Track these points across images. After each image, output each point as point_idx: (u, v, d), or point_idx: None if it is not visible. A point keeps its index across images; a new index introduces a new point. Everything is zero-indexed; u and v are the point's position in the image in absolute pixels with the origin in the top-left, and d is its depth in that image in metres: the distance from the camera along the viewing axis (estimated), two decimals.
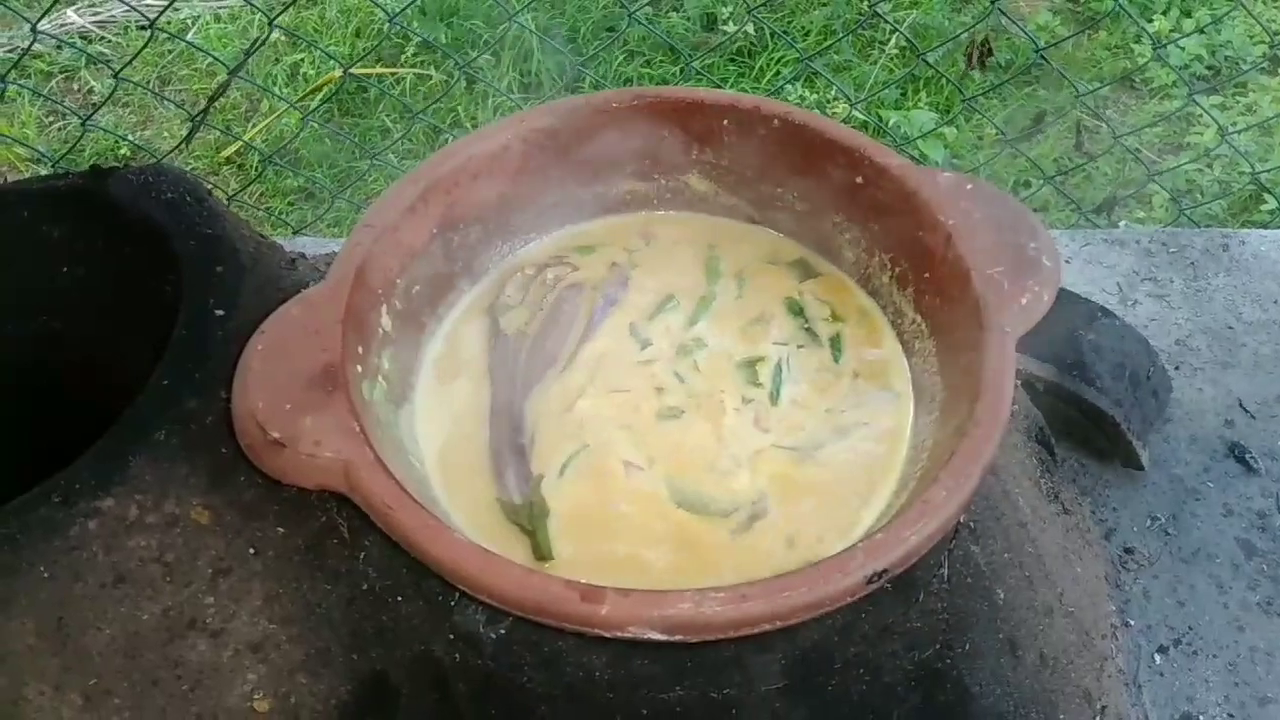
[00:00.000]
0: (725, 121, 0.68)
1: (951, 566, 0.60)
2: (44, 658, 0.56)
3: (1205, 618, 0.83)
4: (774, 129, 0.67)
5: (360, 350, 0.60)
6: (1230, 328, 0.98)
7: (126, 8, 2.11)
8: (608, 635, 0.49)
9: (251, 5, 1.83)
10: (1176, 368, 0.95)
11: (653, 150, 0.70)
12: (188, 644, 0.58)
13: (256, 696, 0.59)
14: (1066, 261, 1.02)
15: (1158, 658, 0.81)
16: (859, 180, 0.66)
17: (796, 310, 0.68)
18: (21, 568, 0.56)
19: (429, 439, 0.63)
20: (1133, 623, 0.82)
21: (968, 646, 0.61)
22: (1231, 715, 0.78)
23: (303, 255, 0.73)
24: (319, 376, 0.56)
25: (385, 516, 0.52)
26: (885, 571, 0.51)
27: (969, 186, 0.63)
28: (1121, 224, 1.90)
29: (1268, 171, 1.87)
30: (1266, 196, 1.89)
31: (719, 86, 1.96)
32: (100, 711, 0.57)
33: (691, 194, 0.71)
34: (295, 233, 1.66)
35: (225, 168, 2.02)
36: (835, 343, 0.66)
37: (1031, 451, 0.74)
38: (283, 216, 1.94)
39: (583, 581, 0.49)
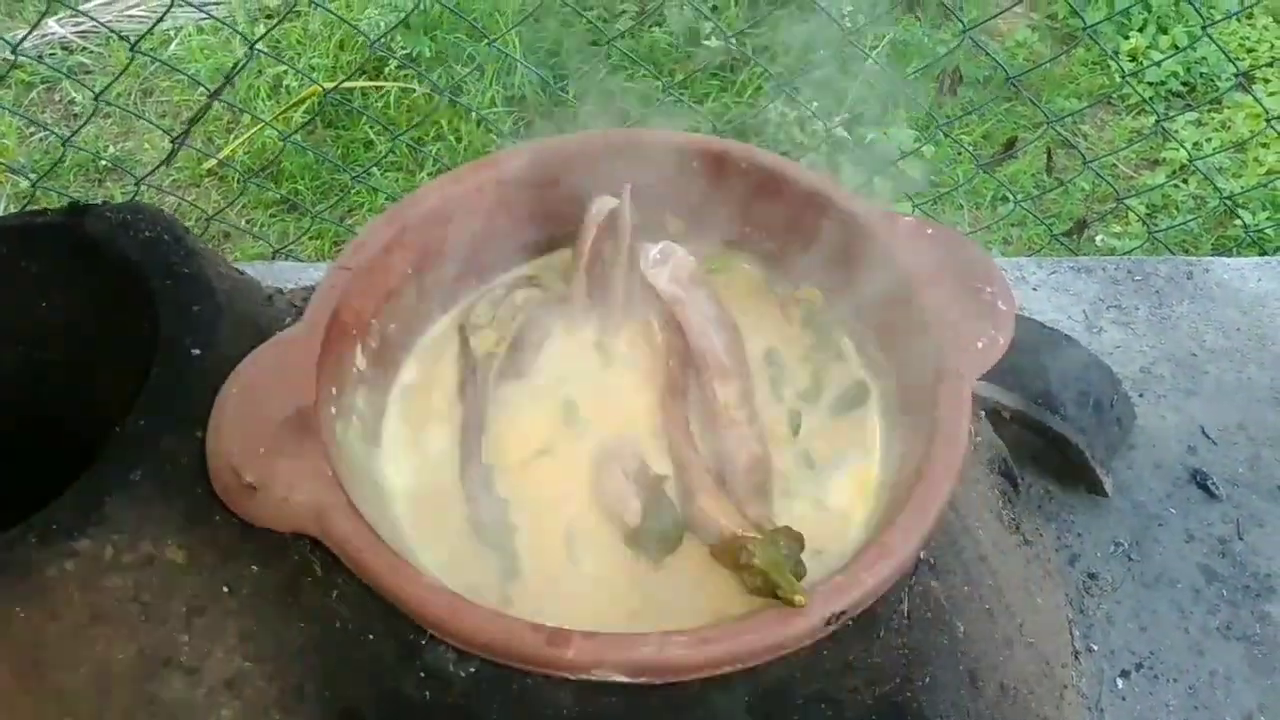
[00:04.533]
0: (695, 164, 0.70)
1: (911, 602, 0.61)
2: (18, 696, 0.57)
3: (1166, 642, 0.84)
4: (742, 172, 0.69)
5: (334, 391, 0.61)
6: (1194, 355, 1.00)
7: (109, 17, 2.12)
8: (573, 677, 0.51)
9: (232, 29, 1.83)
10: (1140, 395, 0.97)
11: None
12: (163, 682, 0.59)
13: None
14: (1034, 289, 1.04)
15: (1120, 682, 0.83)
16: (824, 222, 0.67)
17: (775, 361, 0.69)
18: None
19: (400, 470, 0.65)
20: (1096, 648, 0.84)
21: (928, 680, 0.62)
22: None
23: (280, 291, 0.74)
24: (293, 420, 0.57)
25: (356, 560, 0.53)
26: (843, 613, 0.52)
27: (929, 231, 0.65)
28: (1099, 237, 1.93)
29: (1241, 193, 1.90)
30: (1239, 213, 1.92)
31: (700, 101, 1.98)
32: None
33: (667, 229, 0.72)
34: (275, 253, 1.67)
35: (207, 179, 2.03)
36: (795, 417, 0.67)
37: (993, 484, 0.76)
38: (264, 229, 1.95)
39: (549, 625, 0.50)
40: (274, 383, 0.59)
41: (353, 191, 1.95)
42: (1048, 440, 0.89)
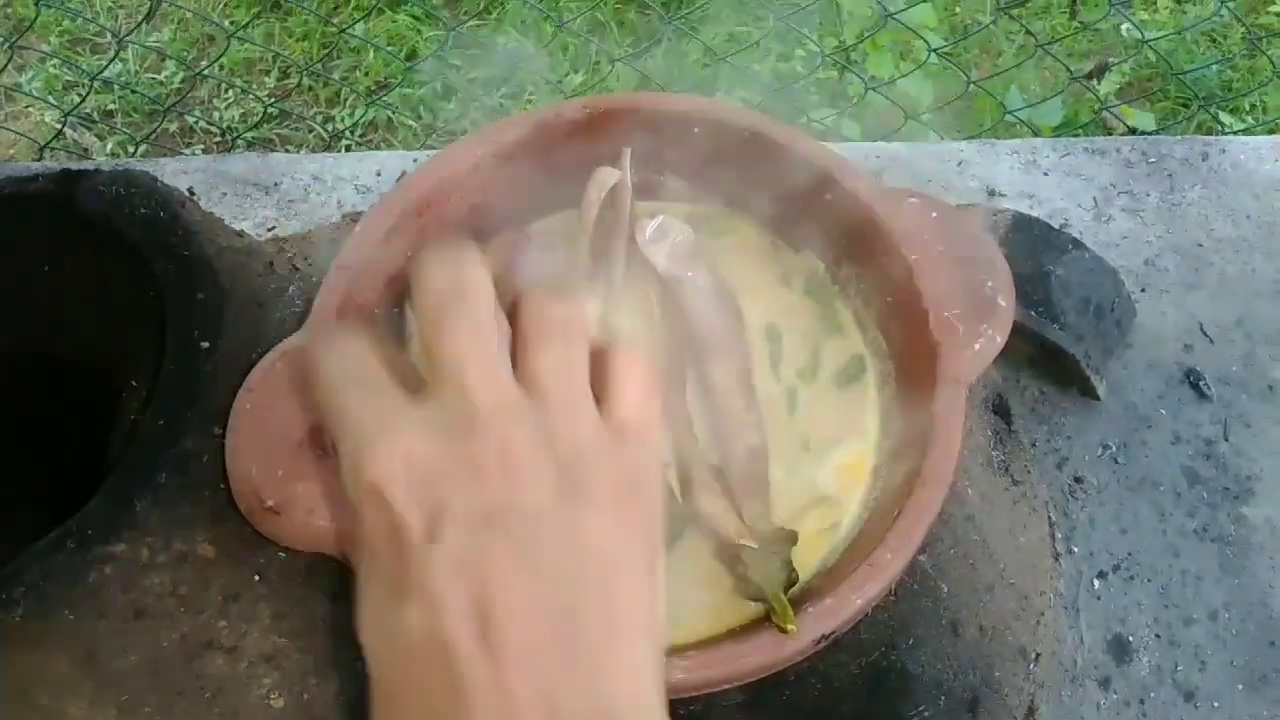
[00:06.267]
0: (695, 130, 0.68)
1: (899, 581, 0.65)
2: (78, 681, 0.62)
3: (1144, 544, 0.89)
4: (745, 140, 0.67)
5: None
6: (1200, 245, 0.99)
7: None
8: None
9: None
10: (1143, 290, 0.97)
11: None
12: (206, 661, 0.64)
13: (273, 696, 0.66)
14: (1045, 174, 1.02)
15: (1096, 583, 0.88)
16: (828, 197, 0.66)
17: (774, 336, 0.69)
18: (49, 612, 0.61)
19: None
20: (1076, 550, 0.89)
21: (911, 641, 0.67)
22: (1158, 635, 0.86)
23: (280, 249, 0.74)
24: (307, 439, 0.59)
25: None
26: (833, 633, 0.56)
27: (934, 214, 0.64)
28: (1124, 26, 1.86)
29: None
30: None
31: None
32: (133, 717, 0.63)
33: (668, 191, 0.71)
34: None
35: None
36: (792, 396, 0.68)
37: (987, 423, 0.78)
38: (249, 31, 1.89)
39: None
40: (285, 397, 0.60)
41: None
42: (1044, 349, 0.90)
